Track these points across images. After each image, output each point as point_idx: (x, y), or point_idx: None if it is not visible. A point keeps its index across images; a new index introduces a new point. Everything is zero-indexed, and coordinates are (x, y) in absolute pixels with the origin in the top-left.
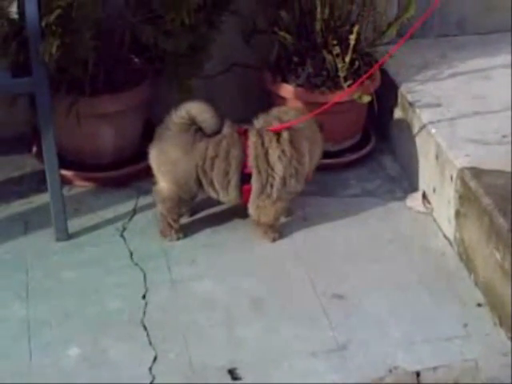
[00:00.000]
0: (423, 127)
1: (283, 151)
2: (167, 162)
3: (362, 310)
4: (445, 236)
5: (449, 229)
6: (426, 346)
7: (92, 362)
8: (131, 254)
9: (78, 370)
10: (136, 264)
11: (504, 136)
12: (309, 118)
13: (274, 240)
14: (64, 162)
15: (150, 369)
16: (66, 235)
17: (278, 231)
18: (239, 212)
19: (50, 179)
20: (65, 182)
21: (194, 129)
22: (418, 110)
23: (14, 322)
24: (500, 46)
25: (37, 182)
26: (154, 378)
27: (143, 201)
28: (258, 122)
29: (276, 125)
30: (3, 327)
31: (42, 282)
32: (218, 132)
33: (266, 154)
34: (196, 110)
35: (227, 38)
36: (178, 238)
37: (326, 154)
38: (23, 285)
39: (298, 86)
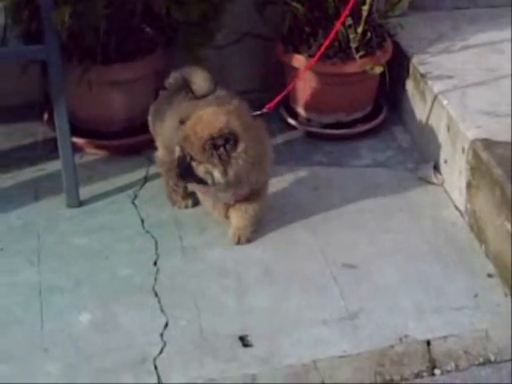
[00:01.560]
0: (435, 99)
1: None
2: (157, 120)
3: (373, 279)
4: (456, 207)
5: (460, 200)
6: (436, 316)
7: (103, 328)
8: (142, 221)
9: (90, 336)
10: (147, 231)
11: None
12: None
13: None
14: (76, 130)
15: (161, 335)
16: (77, 202)
17: None
18: None
19: (62, 146)
20: (76, 149)
21: (185, 91)
22: (429, 82)
23: (26, 288)
24: None
25: (48, 150)
26: (165, 344)
27: (154, 169)
28: None
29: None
30: (15, 292)
31: (54, 248)
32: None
33: None
34: (189, 72)
35: (239, 8)
36: (186, 206)
37: (338, 125)
38: (35, 251)
39: (310, 56)
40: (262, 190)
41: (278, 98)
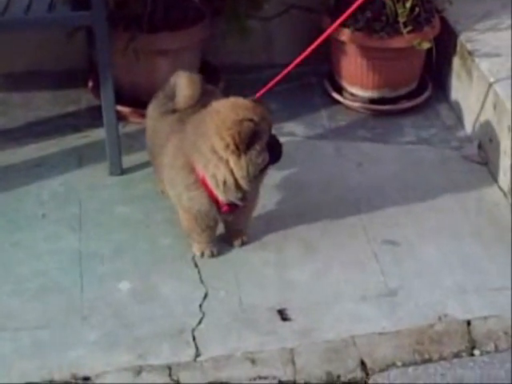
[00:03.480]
0: (482, 76)
1: None
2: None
3: (414, 257)
4: (499, 187)
5: (504, 180)
6: (476, 296)
7: (142, 297)
8: None
9: (129, 305)
10: None
11: None
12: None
13: None
14: (120, 98)
15: (200, 306)
16: (119, 170)
17: None
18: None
19: (106, 114)
20: (120, 117)
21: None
22: (477, 60)
23: (67, 255)
24: None
25: (92, 117)
26: (203, 315)
27: None
28: None
29: None
30: (56, 259)
31: (95, 215)
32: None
33: None
34: (177, 80)
35: None
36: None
37: (383, 100)
38: (76, 218)
39: (357, 30)
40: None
41: (268, 86)
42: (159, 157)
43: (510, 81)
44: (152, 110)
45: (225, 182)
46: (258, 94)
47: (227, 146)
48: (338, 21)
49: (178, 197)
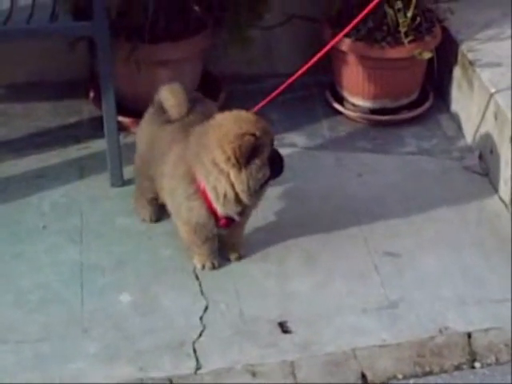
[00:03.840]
0: (483, 87)
1: None
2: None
3: (414, 268)
4: (500, 198)
5: (505, 191)
6: (477, 308)
7: (143, 309)
8: None
9: (130, 317)
10: None
11: None
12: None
13: None
14: (121, 109)
15: (201, 318)
16: (121, 181)
17: None
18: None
19: (108, 125)
20: (122, 128)
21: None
22: (478, 69)
23: (67, 267)
24: None
25: (94, 128)
26: (204, 327)
27: None
28: None
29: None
30: (56, 271)
31: (96, 227)
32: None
33: None
34: (161, 95)
35: None
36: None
37: (384, 111)
38: (77, 229)
39: (358, 40)
40: None
41: (264, 102)
42: (158, 167)
43: (511, 91)
44: (147, 123)
45: (225, 195)
46: (256, 107)
47: (228, 159)
48: (342, 33)
49: (178, 207)
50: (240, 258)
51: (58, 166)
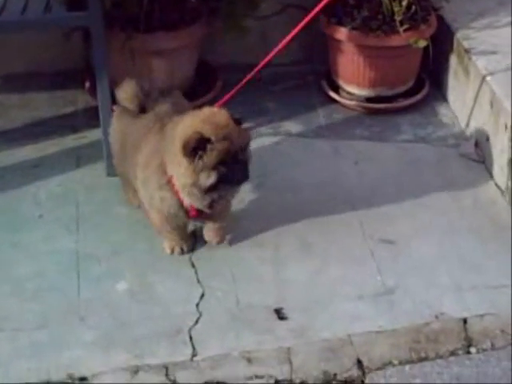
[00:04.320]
0: (478, 74)
1: None
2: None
3: (410, 255)
4: (496, 185)
5: (501, 178)
6: (473, 294)
7: (140, 297)
8: None
9: (126, 305)
10: None
11: None
12: None
13: None
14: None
15: (197, 305)
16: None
17: None
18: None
19: (103, 115)
20: None
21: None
22: (473, 57)
23: (64, 256)
24: None
25: (89, 118)
26: (200, 314)
27: None
28: None
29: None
30: (53, 260)
31: (92, 216)
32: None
33: None
34: (117, 91)
35: None
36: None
37: (380, 99)
38: (73, 218)
39: (353, 28)
40: None
41: (228, 96)
42: (132, 158)
43: (506, 78)
44: (117, 120)
45: (184, 186)
46: (220, 102)
47: (180, 150)
48: (313, 12)
49: (151, 196)
50: (218, 242)
51: (55, 155)
